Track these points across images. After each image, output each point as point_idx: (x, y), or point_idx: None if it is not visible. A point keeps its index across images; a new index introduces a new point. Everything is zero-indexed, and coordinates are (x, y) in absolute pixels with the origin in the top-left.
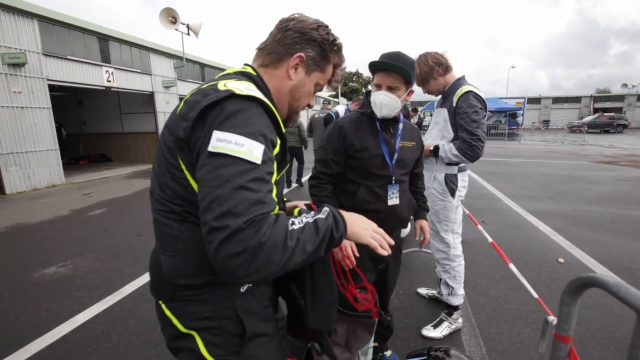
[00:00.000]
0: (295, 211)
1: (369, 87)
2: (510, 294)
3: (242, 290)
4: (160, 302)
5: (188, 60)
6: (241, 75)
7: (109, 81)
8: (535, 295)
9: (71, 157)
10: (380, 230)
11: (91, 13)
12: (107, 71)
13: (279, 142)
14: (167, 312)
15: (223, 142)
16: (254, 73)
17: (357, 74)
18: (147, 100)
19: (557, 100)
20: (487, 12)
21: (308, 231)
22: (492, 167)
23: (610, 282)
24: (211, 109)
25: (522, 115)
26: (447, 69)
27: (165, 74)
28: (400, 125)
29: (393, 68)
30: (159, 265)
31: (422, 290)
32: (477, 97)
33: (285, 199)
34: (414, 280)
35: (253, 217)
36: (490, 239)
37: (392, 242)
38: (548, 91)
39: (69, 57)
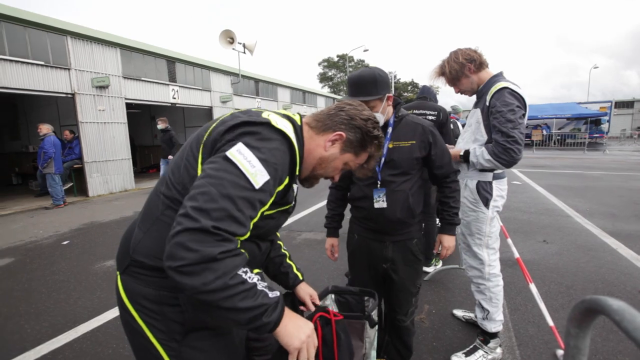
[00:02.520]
0: (255, 270)
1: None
2: None
3: None
4: (118, 272)
5: (244, 76)
6: (287, 117)
7: (174, 98)
8: (551, 323)
9: (143, 167)
10: (314, 336)
11: (160, 37)
12: (173, 89)
13: (286, 181)
14: (119, 282)
15: (240, 154)
16: (299, 123)
17: (413, 84)
18: (206, 114)
19: None
20: (552, 8)
21: (250, 291)
22: (562, 180)
23: (613, 306)
24: (246, 125)
25: (608, 121)
26: (480, 65)
27: (223, 90)
28: (390, 129)
29: (358, 97)
30: (129, 237)
31: (459, 312)
32: (513, 93)
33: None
34: (451, 301)
35: (222, 228)
36: (517, 254)
37: (316, 344)
38: None
39: (142, 78)
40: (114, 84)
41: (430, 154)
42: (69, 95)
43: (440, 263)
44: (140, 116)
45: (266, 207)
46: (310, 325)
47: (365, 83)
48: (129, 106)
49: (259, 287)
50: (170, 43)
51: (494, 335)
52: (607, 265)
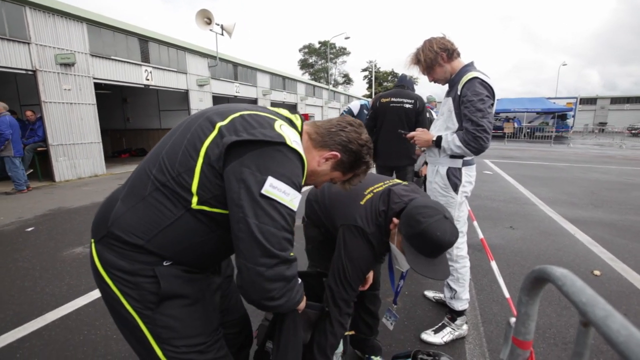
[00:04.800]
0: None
1: None
2: None
3: (165, 264)
4: (92, 240)
5: (222, 59)
6: (290, 122)
7: (148, 80)
8: (507, 295)
9: (114, 151)
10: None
11: (132, 14)
12: (146, 70)
13: None
14: (93, 251)
15: (275, 189)
16: (299, 129)
17: (393, 74)
18: (182, 98)
19: (616, 100)
20: (518, 5)
21: (300, 284)
22: (530, 170)
23: (557, 274)
24: (266, 146)
25: (573, 117)
26: (452, 54)
27: (200, 73)
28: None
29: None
30: (110, 207)
31: (429, 293)
32: (483, 83)
33: None
34: (423, 282)
35: (291, 255)
36: (481, 235)
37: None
38: (602, 90)
39: (112, 57)
40: (80, 61)
41: None
42: (30, 72)
43: None
44: (111, 98)
45: None
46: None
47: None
48: (98, 86)
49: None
50: (144, 21)
51: (460, 313)
52: (565, 249)
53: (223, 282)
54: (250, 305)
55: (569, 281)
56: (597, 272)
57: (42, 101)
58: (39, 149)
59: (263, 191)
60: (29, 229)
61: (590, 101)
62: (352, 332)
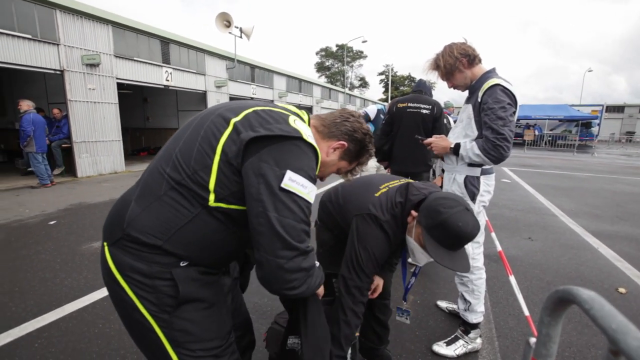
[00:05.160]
0: None
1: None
2: None
3: (181, 264)
4: (105, 243)
5: (239, 61)
6: (298, 118)
7: (168, 80)
8: (527, 313)
9: (134, 149)
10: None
11: (154, 16)
12: (166, 71)
13: None
14: (107, 255)
15: (294, 182)
16: (306, 123)
17: (410, 78)
18: (200, 98)
19: None
20: (537, 9)
21: (319, 269)
22: (551, 179)
23: (583, 296)
24: (284, 140)
25: (599, 125)
26: (474, 59)
27: (218, 74)
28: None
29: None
30: (123, 209)
31: (442, 304)
32: (505, 91)
33: None
34: (436, 292)
35: (304, 246)
36: (499, 247)
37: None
38: (629, 98)
39: (135, 58)
40: (105, 62)
41: None
42: (58, 72)
43: None
44: (132, 97)
45: None
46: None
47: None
48: (120, 86)
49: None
50: (165, 23)
51: (474, 326)
52: (587, 264)
53: (231, 284)
54: (253, 308)
55: (597, 305)
56: (622, 290)
57: (68, 100)
58: (63, 145)
59: (282, 185)
60: (52, 222)
61: (617, 109)
62: (357, 334)
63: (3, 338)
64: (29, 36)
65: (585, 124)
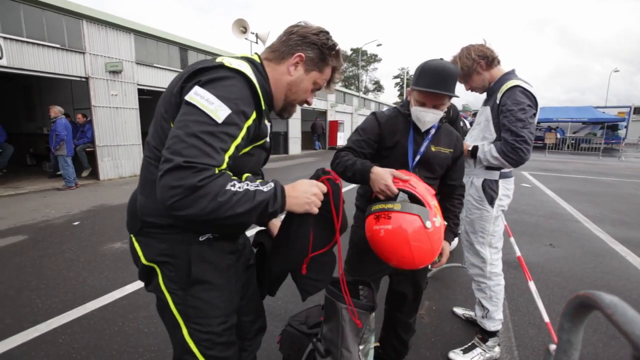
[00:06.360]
0: (244, 177)
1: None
2: None
3: (200, 239)
4: (132, 235)
5: None
6: (244, 59)
7: None
8: (546, 319)
9: None
10: (318, 192)
11: (173, 24)
12: None
13: (253, 115)
14: (135, 244)
15: (197, 95)
16: (258, 61)
17: None
18: None
19: None
20: (555, 7)
21: (244, 196)
22: (574, 184)
23: (605, 301)
24: (202, 71)
25: (626, 127)
26: (492, 61)
27: None
28: (433, 130)
29: (439, 90)
30: (135, 203)
31: (459, 310)
32: (525, 92)
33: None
34: (452, 298)
35: (194, 161)
36: (518, 253)
37: (321, 198)
38: None
39: (155, 64)
40: (127, 69)
41: (455, 164)
42: (83, 79)
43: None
44: (151, 103)
45: (238, 140)
46: (313, 183)
47: (451, 77)
48: (140, 92)
49: (251, 188)
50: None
51: (492, 334)
52: (614, 272)
53: (245, 269)
54: (266, 310)
55: (620, 310)
56: None
57: (92, 105)
58: (87, 149)
59: (187, 98)
60: (75, 223)
61: None
62: (377, 344)
63: (31, 332)
64: (58, 45)
65: (611, 127)
